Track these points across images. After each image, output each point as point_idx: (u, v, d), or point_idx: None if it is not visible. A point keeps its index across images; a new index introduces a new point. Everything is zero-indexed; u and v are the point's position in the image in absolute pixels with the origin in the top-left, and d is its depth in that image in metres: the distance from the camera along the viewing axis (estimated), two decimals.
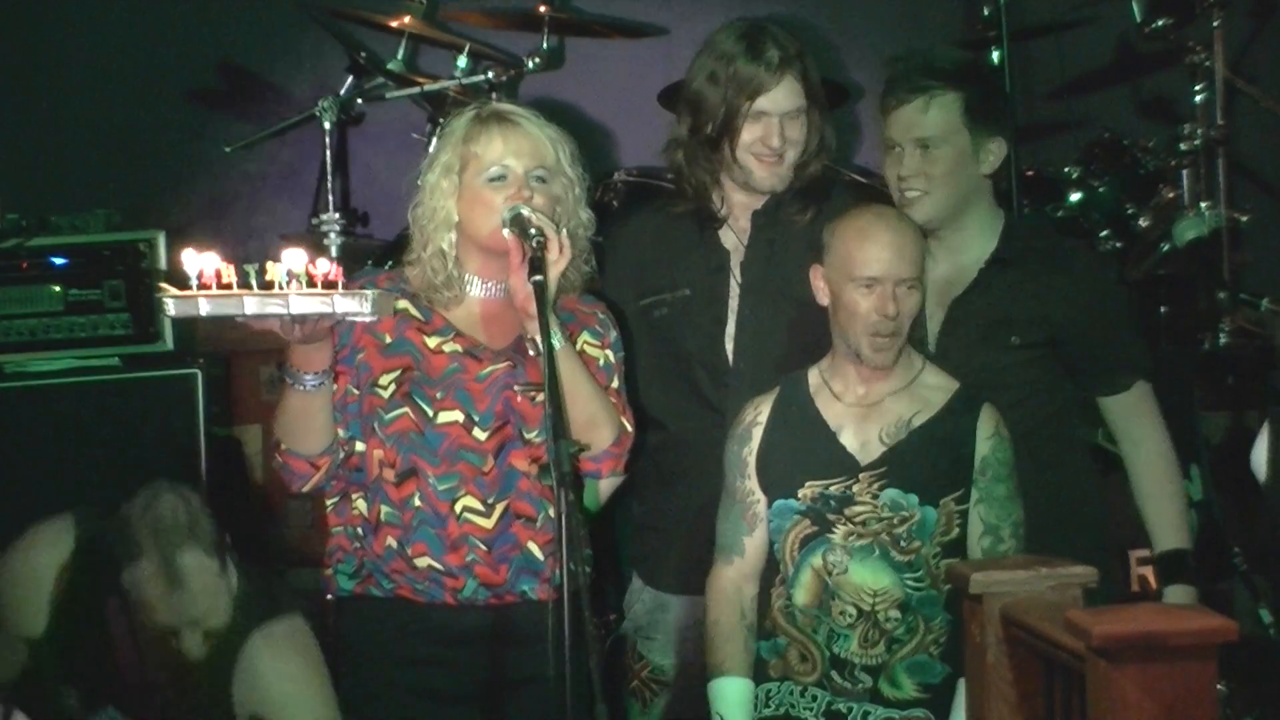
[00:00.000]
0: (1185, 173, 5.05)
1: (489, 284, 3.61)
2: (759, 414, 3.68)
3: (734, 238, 3.96)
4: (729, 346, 3.91)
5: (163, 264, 5.06)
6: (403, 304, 3.59)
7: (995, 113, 3.72)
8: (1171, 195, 5.09)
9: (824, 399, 3.64)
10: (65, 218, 5.16)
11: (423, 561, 3.54)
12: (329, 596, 3.68)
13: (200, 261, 3.27)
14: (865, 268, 3.55)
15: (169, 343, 4.87)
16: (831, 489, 3.57)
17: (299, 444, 3.55)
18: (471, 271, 3.60)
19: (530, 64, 5.39)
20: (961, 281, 3.73)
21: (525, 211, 3.49)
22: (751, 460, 3.66)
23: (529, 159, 3.56)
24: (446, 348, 3.58)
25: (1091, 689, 2.98)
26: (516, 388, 3.56)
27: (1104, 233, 5.08)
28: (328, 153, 5.45)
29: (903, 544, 3.51)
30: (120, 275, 4.95)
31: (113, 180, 5.93)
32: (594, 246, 3.71)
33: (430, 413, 3.54)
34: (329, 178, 5.45)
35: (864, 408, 3.60)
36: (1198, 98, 5.05)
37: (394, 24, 5.55)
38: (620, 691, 4.03)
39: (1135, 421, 3.73)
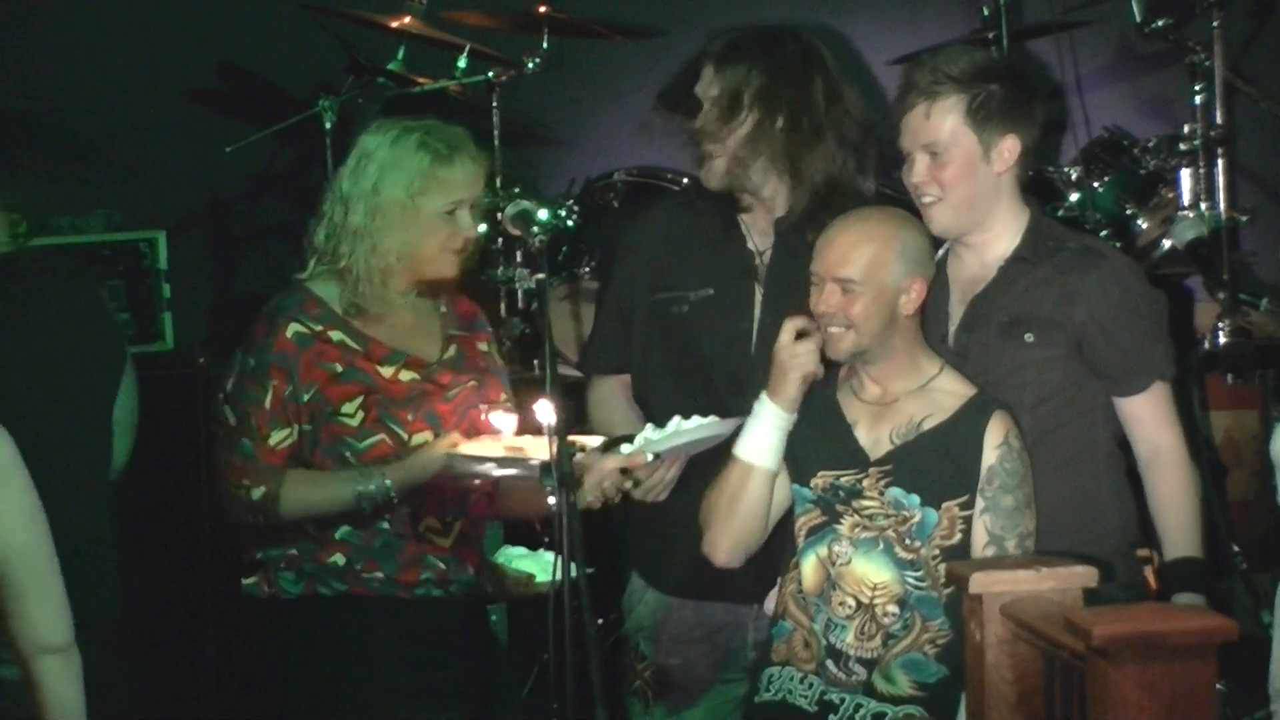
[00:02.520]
0: (1185, 173, 5.05)
1: (416, 295, 3.64)
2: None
3: (756, 242, 3.96)
4: (751, 353, 3.90)
5: (163, 264, 5.07)
6: (337, 335, 3.57)
7: (1005, 111, 3.65)
8: (1171, 195, 5.08)
9: (845, 394, 3.66)
10: (65, 218, 5.16)
11: (372, 575, 3.56)
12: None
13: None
14: (812, 261, 3.61)
15: (169, 342, 4.88)
16: (842, 480, 3.57)
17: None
18: (405, 285, 3.62)
19: (530, 64, 5.39)
20: (984, 279, 3.72)
21: (528, 205, 3.52)
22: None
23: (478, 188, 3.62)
24: (404, 376, 3.59)
25: (1091, 689, 2.98)
26: (483, 406, 3.58)
27: (1104, 233, 5.07)
28: (328, 153, 5.45)
29: (907, 542, 3.52)
30: (120, 275, 4.96)
31: (113, 180, 5.94)
32: (607, 236, 3.72)
33: (405, 436, 3.55)
34: (329, 178, 5.45)
35: (880, 406, 3.60)
36: (1197, 98, 5.05)
37: (394, 24, 5.56)
38: (619, 692, 4.03)
39: (1150, 424, 3.69)
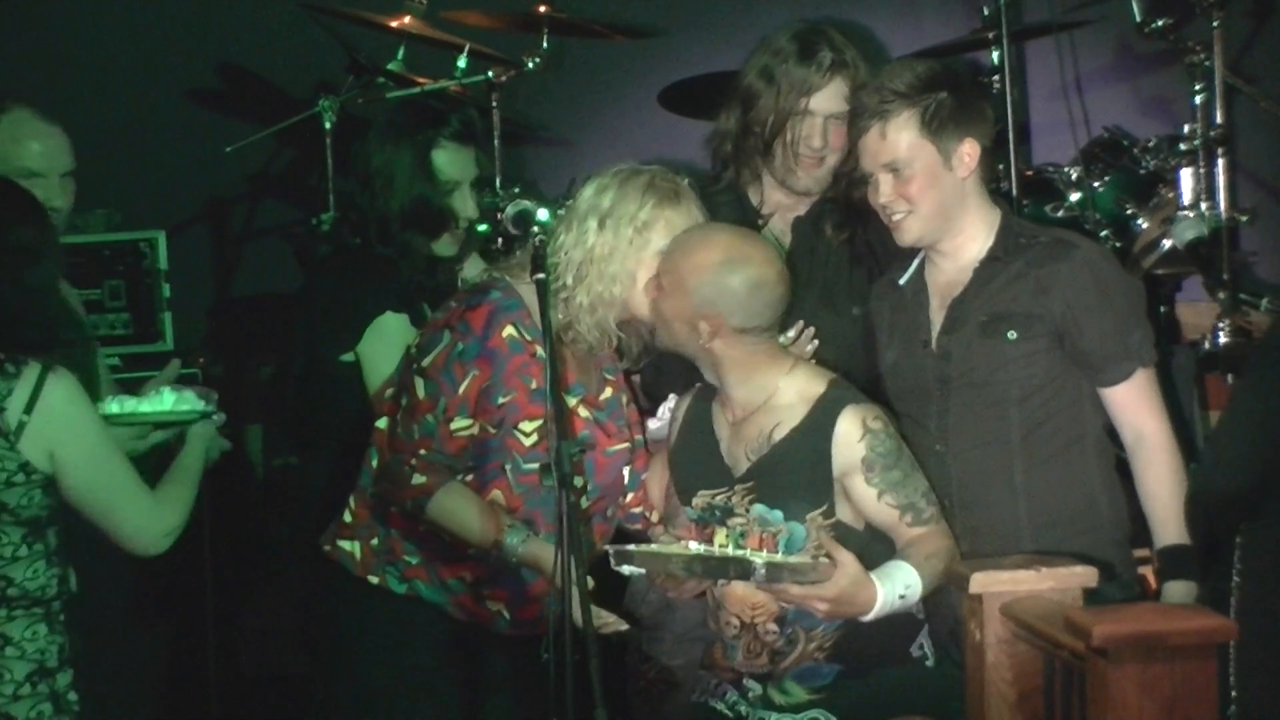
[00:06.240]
0: (1185, 173, 5.04)
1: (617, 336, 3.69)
2: (679, 411, 3.74)
3: (774, 240, 3.96)
4: None
5: (163, 264, 5.08)
6: (540, 352, 3.58)
7: (958, 116, 3.67)
8: (1171, 195, 5.08)
9: (716, 410, 3.67)
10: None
11: (494, 606, 3.57)
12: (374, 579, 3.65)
13: None
14: None
15: (169, 342, 4.88)
16: (716, 499, 3.59)
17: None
18: (615, 320, 3.66)
19: (530, 64, 5.39)
20: (961, 282, 3.73)
21: (528, 205, 3.53)
22: (670, 456, 3.73)
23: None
24: (582, 412, 3.63)
25: (1091, 689, 2.98)
26: (625, 470, 3.62)
27: (1104, 233, 5.07)
28: (328, 153, 5.46)
29: None
30: (120, 275, 4.97)
31: (113, 180, 5.94)
32: None
33: None
34: (329, 178, 5.46)
35: (736, 424, 3.62)
36: (1197, 98, 5.04)
37: (394, 24, 5.56)
38: (620, 692, 4.03)
39: (1135, 412, 3.70)
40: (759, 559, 3.33)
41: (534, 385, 3.56)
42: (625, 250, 3.61)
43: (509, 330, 3.57)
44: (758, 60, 3.97)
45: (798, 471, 3.53)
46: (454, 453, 3.55)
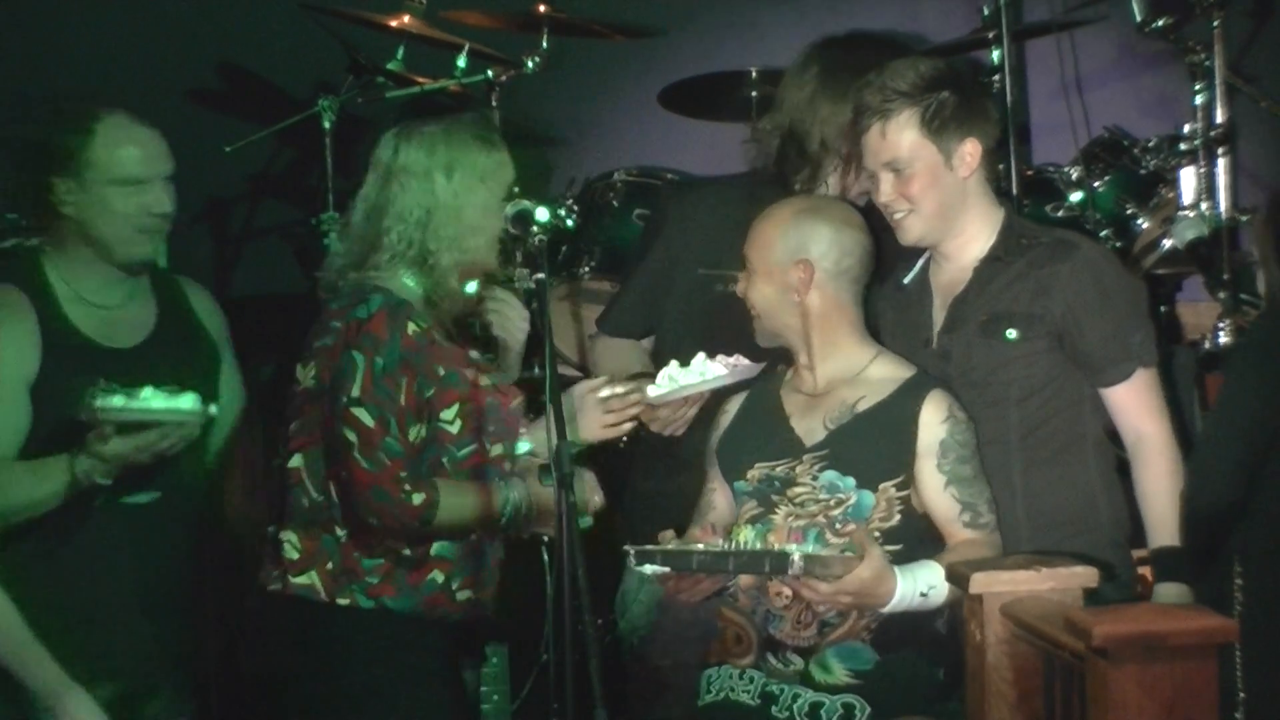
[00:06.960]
0: (1186, 172, 5.04)
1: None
2: (730, 404, 3.76)
3: None
4: None
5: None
6: (439, 336, 3.58)
7: (960, 116, 3.69)
8: (1172, 195, 5.08)
9: (788, 390, 3.72)
10: None
11: (464, 595, 3.57)
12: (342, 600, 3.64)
13: None
14: None
15: None
16: (777, 470, 3.61)
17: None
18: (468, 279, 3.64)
19: (530, 64, 5.39)
20: (962, 281, 3.74)
21: (528, 205, 3.54)
22: (714, 447, 3.75)
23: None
24: (483, 380, 3.61)
25: (1091, 689, 2.98)
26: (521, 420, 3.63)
27: (1104, 233, 5.08)
28: (328, 153, 5.45)
29: (837, 526, 3.52)
30: None
31: None
32: (656, 205, 3.74)
33: (489, 446, 3.56)
34: (329, 178, 5.45)
35: (814, 396, 3.65)
36: (1198, 98, 5.04)
37: (394, 24, 5.56)
38: (622, 692, 4.04)
39: (1135, 413, 3.71)
40: (796, 553, 3.33)
41: (441, 371, 3.54)
42: (475, 202, 3.60)
43: (411, 327, 3.54)
44: (821, 67, 4.02)
45: (878, 439, 3.56)
46: (417, 459, 3.54)
